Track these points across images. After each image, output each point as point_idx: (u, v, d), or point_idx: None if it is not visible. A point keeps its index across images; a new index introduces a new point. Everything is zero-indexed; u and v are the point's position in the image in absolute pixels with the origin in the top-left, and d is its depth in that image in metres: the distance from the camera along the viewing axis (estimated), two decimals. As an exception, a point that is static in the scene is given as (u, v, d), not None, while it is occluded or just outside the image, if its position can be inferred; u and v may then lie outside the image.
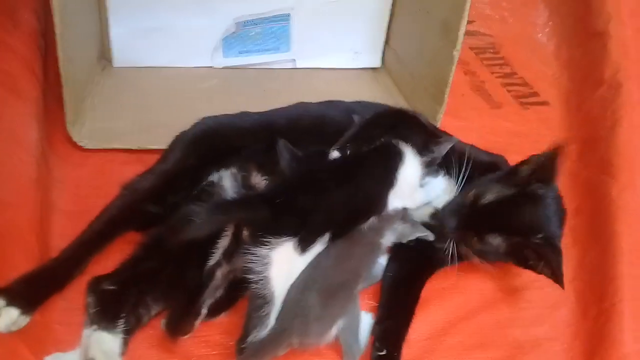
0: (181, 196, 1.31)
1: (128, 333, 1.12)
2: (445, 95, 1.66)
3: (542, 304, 1.33)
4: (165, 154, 1.38)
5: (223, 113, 1.49)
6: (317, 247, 1.14)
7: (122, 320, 1.12)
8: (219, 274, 1.20)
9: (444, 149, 1.31)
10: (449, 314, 1.28)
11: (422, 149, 1.28)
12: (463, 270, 1.33)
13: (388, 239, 1.24)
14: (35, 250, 1.22)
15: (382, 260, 1.29)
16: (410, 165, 1.25)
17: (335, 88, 1.98)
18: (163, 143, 1.50)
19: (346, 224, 1.19)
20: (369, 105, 1.56)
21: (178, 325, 1.12)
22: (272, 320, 1.07)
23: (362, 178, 1.20)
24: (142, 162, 1.49)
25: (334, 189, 1.17)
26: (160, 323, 1.15)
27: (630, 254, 1.35)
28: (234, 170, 1.39)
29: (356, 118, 1.37)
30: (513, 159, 1.68)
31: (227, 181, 1.37)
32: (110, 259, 1.25)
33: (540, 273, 1.23)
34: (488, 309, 1.31)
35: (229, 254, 1.20)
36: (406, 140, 1.28)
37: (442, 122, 1.72)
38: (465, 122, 1.91)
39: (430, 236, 1.26)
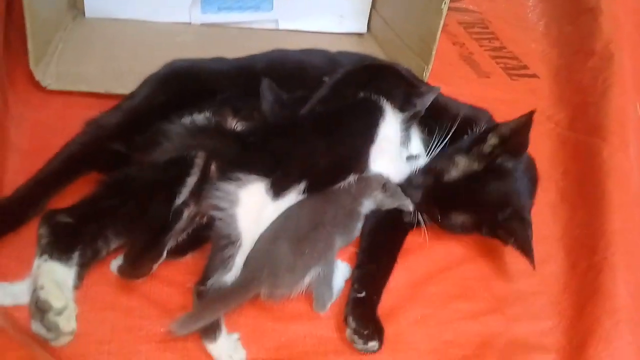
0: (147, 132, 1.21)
1: (84, 267, 1.02)
2: (433, 51, 1.59)
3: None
4: (133, 92, 1.28)
5: None
6: (291, 196, 1.05)
7: (77, 253, 1.02)
8: (185, 214, 1.10)
9: (427, 100, 1.22)
10: (430, 264, 1.21)
11: (403, 103, 1.20)
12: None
13: (367, 207, 1.17)
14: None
15: (360, 225, 1.20)
16: (392, 121, 1.17)
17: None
18: (132, 88, 1.41)
19: (324, 176, 1.10)
20: (352, 55, 1.49)
21: (135, 266, 1.02)
22: (236, 263, 0.98)
23: (342, 130, 1.12)
24: (108, 106, 1.38)
25: (313, 137, 1.09)
26: (110, 264, 1.06)
27: (622, 210, 1.30)
28: (207, 114, 1.29)
29: (326, 79, 1.26)
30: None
31: (199, 122, 1.28)
32: (69, 198, 1.15)
33: (511, 246, 1.16)
34: (471, 261, 1.24)
35: (197, 194, 1.11)
36: (386, 95, 1.18)
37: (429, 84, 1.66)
38: (453, 88, 1.83)
39: (409, 205, 1.17)
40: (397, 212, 1.19)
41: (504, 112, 1.77)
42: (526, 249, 1.12)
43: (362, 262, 1.13)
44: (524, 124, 1.16)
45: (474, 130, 1.26)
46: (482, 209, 1.16)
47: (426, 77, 1.63)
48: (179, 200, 1.08)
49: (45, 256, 0.99)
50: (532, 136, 1.69)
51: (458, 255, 1.24)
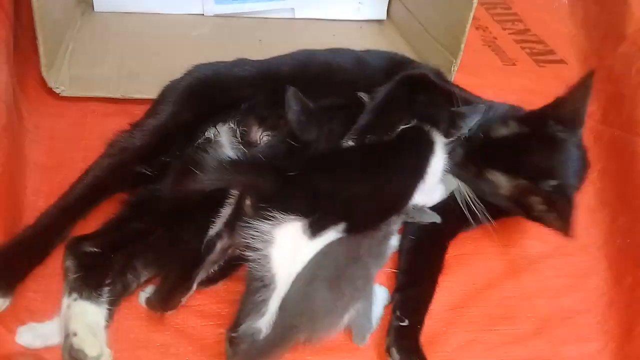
0: (173, 155, 1.15)
1: (113, 303, 0.99)
2: (462, 45, 1.51)
3: (571, 273, 1.22)
4: (155, 106, 1.20)
5: (215, 60, 1.32)
6: (329, 236, 0.97)
7: (106, 289, 0.98)
8: (218, 246, 1.05)
9: (470, 121, 1.11)
10: (471, 282, 1.16)
11: (448, 128, 1.10)
12: (486, 236, 1.21)
13: (398, 225, 1.12)
14: (7, 207, 1.07)
15: (394, 241, 1.14)
16: (440, 155, 1.09)
17: (337, 41, 1.81)
18: (149, 92, 1.34)
19: (368, 217, 1.03)
20: (379, 54, 1.41)
21: (164, 300, 0.98)
22: (270, 308, 0.92)
23: (391, 168, 1.04)
24: (126, 113, 1.34)
25: (359, 175, 1.01)
26: (139, 297, 1.02)
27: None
28: (232, 124, 1.23)
29: (364, 98, 1.16)
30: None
31: (224, 137, 1.22)
32: (92, 218, 1.11)
33: (547, 225, 1.08)
34: (512, 277, 1.19)
35: (231, 226, 1.04)
36: (432, 122, 1.09)
37: (454, 78, 1.58)
38: (478, 79, 1.76)
39: (436, 218, 1.12)
40: (437, 227, 1.13)
41: (534, 103, 1.72)
42: (566, 226, 1.03)
43: (402, 286, 1.08)
44: (583, 90, 1.10)
45: None
46: (525, 172, 1.08)
47: (454, 72, 1.56)
48: (212, 232, 1.03)
49: (75, 295, 0.96)
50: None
51: (498, 271, 1.20)
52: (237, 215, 0.98)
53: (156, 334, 0.99)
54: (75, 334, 0.91)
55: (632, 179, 1.36)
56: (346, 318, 0.96)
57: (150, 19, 1.74)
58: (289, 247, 0.93)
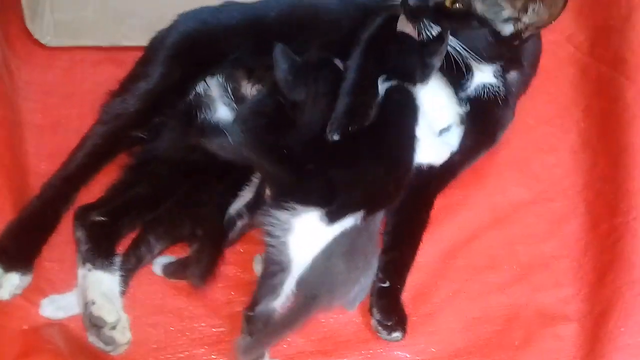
0: (166, 114, 1.18)
1: (129, 272, 1.05)
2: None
3: (551, 218, 1.29)
4: (144, 67, 1.20)
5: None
6: (347, 222, 1.01)
7: (117, 257, 1.04)
8: (239, 225, 1.11)
9: (440, 55, 1.10)
10: (457, 233, 1.23)
11: (422, 73, 1.11)
12: (472, 185, 1.28)
13: None
14: (14, 176, 1.12)
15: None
16: (420, 104, 1.11)
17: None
18: (138, 38, 1.33)
19: (385, 200, 1.07)
20: None
21: (204, 274, 1.03)
22: (285, 290, 0.98)
23: (396, 143, 1.06)
24: (115, 61, 1.34)
25: (372, 160, 1.03)
26: (153, 266, 1.09)
27: (644, 166, 1.29)
28: (220, 78, 1.24)
29: (339, 65, 1.16)
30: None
31: (215, 91, 1.24)
32: (94, 182, 1.15)
33: (530, 31, 1.10)
34: (497, 225, 1.26)
35: (252, 207, 1.11)
36: (407, 77, 1.10)
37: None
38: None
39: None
40: (425, 186, 1.19)
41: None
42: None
43: (387, 248, 1.14)
44: None
45: None
46: None
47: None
48: (232, 210, 1.09)
49: (89, 265, 1.02)
50: (552, 61, 1.66)
51: (483, 220, 1.26)
52: (258, 200, 1.03)
53: (170, 299, 1.07)
54: (93, 303, 0.98)
55: (614, 122, 1.39)
56: (356, 287, 1.04)
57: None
58: (307, 235, 0.97)
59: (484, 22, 1.08)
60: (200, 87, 1.22)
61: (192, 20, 1.25)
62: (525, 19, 1.07)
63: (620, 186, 1.28)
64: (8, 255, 1.00)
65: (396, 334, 1.06)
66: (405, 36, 1.14)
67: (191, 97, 1.21)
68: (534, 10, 1.06)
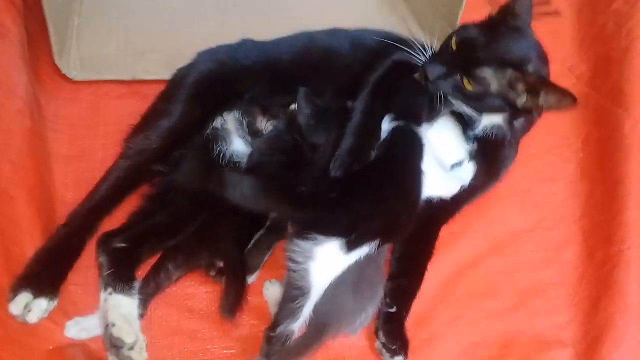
0: (186, 147, 1.26)
1: (148, 298, 1.13)
2: (459, 17, 1.55)
3: (549, 246, 1.35)
4: (165, 104, 1.28)
5: (218, 31, 1.44)
6: (364, 249, 1.08)
7: (136, 282, 1.11)
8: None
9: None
10: (458, 261, 1.30)
11: (428, 113, 1.20)
12: (473, 213, 1.33)
13: None
14: (43, 205, 1.18)
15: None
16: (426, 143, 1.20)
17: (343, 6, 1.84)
18: (157, 72, 1.43)
19: (399, 230, 1.14)
20: (372, 34, 1.45)
21: (234, 307, 1.10)
22: (305, 313, 1.05)
23: (407, 178, 1.14)
24: (138, 94, 1.43)
25: (387, 194, 1.11)
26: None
27: (639, 197, 1.35)
28: (237, 114, 1.32)
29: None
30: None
31: (231, 125, 1.32)
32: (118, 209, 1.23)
33: (541, 108, 1.17)
34: (496, 253, 1.33)
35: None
36: (412, 118, 1.19)
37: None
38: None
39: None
40: (432, 218, 1.25)
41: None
42: (563, 91, 1.12)
43: (394, 274, 1.21)
44: None
45: None
46: (509, 61, 1.14)
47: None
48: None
49: (110, 289, 1.09)
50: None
51: (483, 248, 1.33)
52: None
53: (185, 321, 1.14)
54: (113, 325, 1.05)
55: (612, 153, 1.45)
56: (363, 315, 1.10)
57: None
58: (327, 262, 1.04)
59: (499, 96, 1.16)
60: (217, 122, 1.31)
61: (211, 60, 1.34)
62: (537, 101, 1.14)
63: (616, 216, 1.33)
64: (37, 281, 1.07)
65: (398, 358, 1.12)
66: (412, 79, 1.22)
67: (209, 131, 1.29)
68: (545, 96, 1.13)
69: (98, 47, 1.53)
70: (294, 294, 1.04)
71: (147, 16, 1.65)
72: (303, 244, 1.03)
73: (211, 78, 1.30)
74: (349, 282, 1.07)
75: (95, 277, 1.13)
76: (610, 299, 1.22)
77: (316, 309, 1.06)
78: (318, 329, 1.05)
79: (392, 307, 1.15)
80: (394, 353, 1.12)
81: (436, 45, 1.28)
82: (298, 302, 1.03)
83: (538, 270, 1.32)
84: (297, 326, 1.05)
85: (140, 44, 1.56)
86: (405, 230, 1.14)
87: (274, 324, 1.04)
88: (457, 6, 1.55)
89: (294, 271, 1.04)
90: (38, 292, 1.06)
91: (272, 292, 1.16)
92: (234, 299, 1.10)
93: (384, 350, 1.13)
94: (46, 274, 1.09)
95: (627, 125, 1.48)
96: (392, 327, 1.14)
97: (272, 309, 1.14)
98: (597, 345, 1.17)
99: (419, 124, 1.19)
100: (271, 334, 1.04)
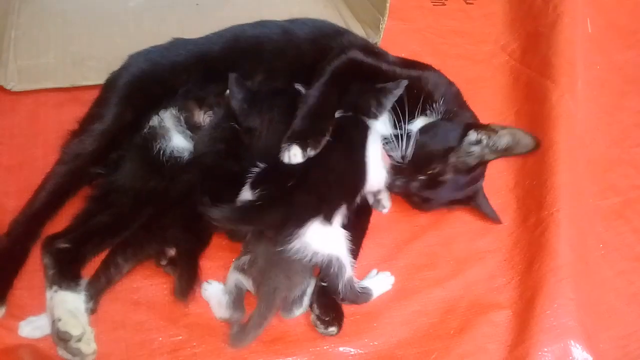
0: (123, 148, 1.29)
1: (99, 292, 1.15)
2: (387, 4, 1.60)
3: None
4: (98, 108, 1.31)
5: (154, 36, 1.43)
6: (339, 216, 1.17)
7: (82, 279, 1.13)
8: None
9: (393, 98, 1.28)
10: (398, 237, 1.34)
11: (376, 109, 1.27)
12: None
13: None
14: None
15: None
16: (374, 137, 1.27)
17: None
18: (97, 77, 1.45)
19: (354, 195, 1.22)
20: (306, 22, 1.50)
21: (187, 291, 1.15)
22: (347, 274, 1.14)
23: (353, 154, 1.23)
24: (77, 101, 1.45)
25: (338, 162, 1.20)
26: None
27: (567, 160, 1.41)
28: (173, 110, 1.35)
29: (301, 89, 1.32)
30: (457, 64, 1.70)
31: (169, 122, 1.34)
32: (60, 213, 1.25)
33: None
34: (434, 227, 1.38)
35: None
36: (362, 111, 1.27)
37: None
38: (408, 24, 1.88)
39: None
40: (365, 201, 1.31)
41: (461, 47, 1.85)
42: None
43: None
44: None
45: (432, 104, 1.33)
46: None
47: (382, 29, 1.66)
48: None
49: (55, 287, 1.11)
50: (488, 69, 1.79)
51: (422, 223, 1.38)
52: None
53: (130, 314, 1.16)
54: (59, 319, 1.07)
55: (541, 123, 1.51)
56: (305, 283, 1.16)
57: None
58: (322, 236, 1.12)
59: None
60: (154, 121, 1.33)
61: (142, 61, 1.37)
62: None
63: (546, 181, 1.39)
64: None
65: (332, 329, 1.16)
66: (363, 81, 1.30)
67: (146, 130, 1.32)
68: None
69: (36, 57, 1.55)
70: (328, 272, 1.13)
71: (85, 24, 1.68)
72: (294, 247, 1.10)
73: (142, 78, 1.33)
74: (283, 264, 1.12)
75: (40, 280, 1.15)
76: (543, 261, 1.27)
77: (266, 278, 1.11)
78: (268, 296, 1.10)
79: (324, 282, 1.19)
80: (327, 324, 1.16)
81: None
82: (335, 270, 1.13)
83: (475, 239, 1.37)
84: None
85: (79, 51, 1.58)
86: (356, 193, 1.23)
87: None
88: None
89: (314, 260, 1.12)
90: None
91: (211, 292, 1.18)
92: (186, 281, 1.13)
93: (318, 322, 1.16)
94: None
95: (554, 96, 1.55)
96: (326, 300, 1.18)
97: (215, 309, 1.17)
98: (532, 304, 1.22)
99: (367, 117, 1.27)
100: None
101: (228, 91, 1.30)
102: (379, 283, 1.24)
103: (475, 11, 1.97)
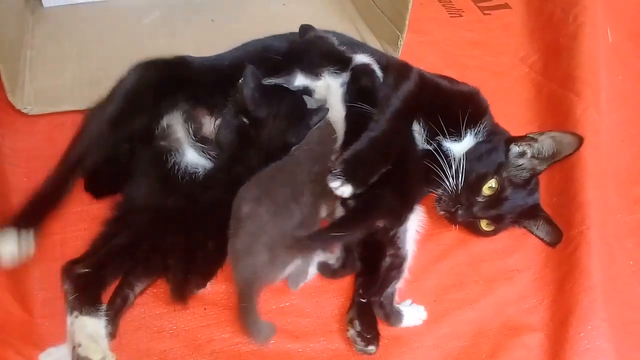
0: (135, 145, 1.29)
1: (116, 315, 1.13)
2: (406, 20, 1.59)
3: (513, 234, 1.37)
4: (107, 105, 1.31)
5: (170, 52, 1.39)
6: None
7: (102, 305, 1.11)
8: None
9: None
10: (424, 257, 1.31)
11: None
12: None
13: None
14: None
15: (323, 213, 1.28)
16: None
17: (288, 10, 1.87)
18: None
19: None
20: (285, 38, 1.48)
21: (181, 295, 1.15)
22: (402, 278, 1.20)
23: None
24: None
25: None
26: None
27: (594, 176, 1.38)
28: (182, 120, 1.33)
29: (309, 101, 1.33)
30: (477, 75, 1.68)
31: (180, 134, 1.32)
32: (79, 239, 1.24)
33: None
34: (462, 245, 1.35)
35: None
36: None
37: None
38: (424, 36, 1.85)
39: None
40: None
41: (479, 58, 1.82)
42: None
43: (362, 272, 1.24)
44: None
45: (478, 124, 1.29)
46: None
47: (400, 46, 1.64)
48: None
49: (76, 312, 1.09)
50: (509, 82, 1.76)
51: (448, 243, 1.35)
52: None
53: (155, 342, 1.13)
54: (79, 345, 1.04)
55: (566, 137, 1.48)
56: (288, 268, 1.15)
57: (99, 8, 1.78)
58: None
59: None
60: (163, 122, 1.31)
61: (151, 63, 1.36)
62: None
63: (574, 198, 1.36)
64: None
65: (372, 347, 1.14)
66: None
67: (161, 142, 1.30)
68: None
69: (52, 79, 1.53)
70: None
71: (101, 42, 1.67)
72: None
73: (149, 77, 1.33)
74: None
75: (61, 308, 1.12)
76: (575, 280, 1.24)
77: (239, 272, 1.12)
78: (247, 282, 1.10)
79: (364, 299, 1.18)
80: (368, 342, 1.14)
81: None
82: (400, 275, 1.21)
83: (503, 258, 1.34)
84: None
85: (93, 71, 1.56)
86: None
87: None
88: (404, 8, 1.58)
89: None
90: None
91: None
92: (182, 286, 1.14)
93: (358, 340, 1.14)
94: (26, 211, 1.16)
95: (578, 110, 1.52)
96: (368, 318, 1.16)
97: None
98: (565, 326, 1.19)
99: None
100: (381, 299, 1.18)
101: (242, 80, 1.30)
102: (411, 314, 1.21)
103: (493, 22, 1.95)
